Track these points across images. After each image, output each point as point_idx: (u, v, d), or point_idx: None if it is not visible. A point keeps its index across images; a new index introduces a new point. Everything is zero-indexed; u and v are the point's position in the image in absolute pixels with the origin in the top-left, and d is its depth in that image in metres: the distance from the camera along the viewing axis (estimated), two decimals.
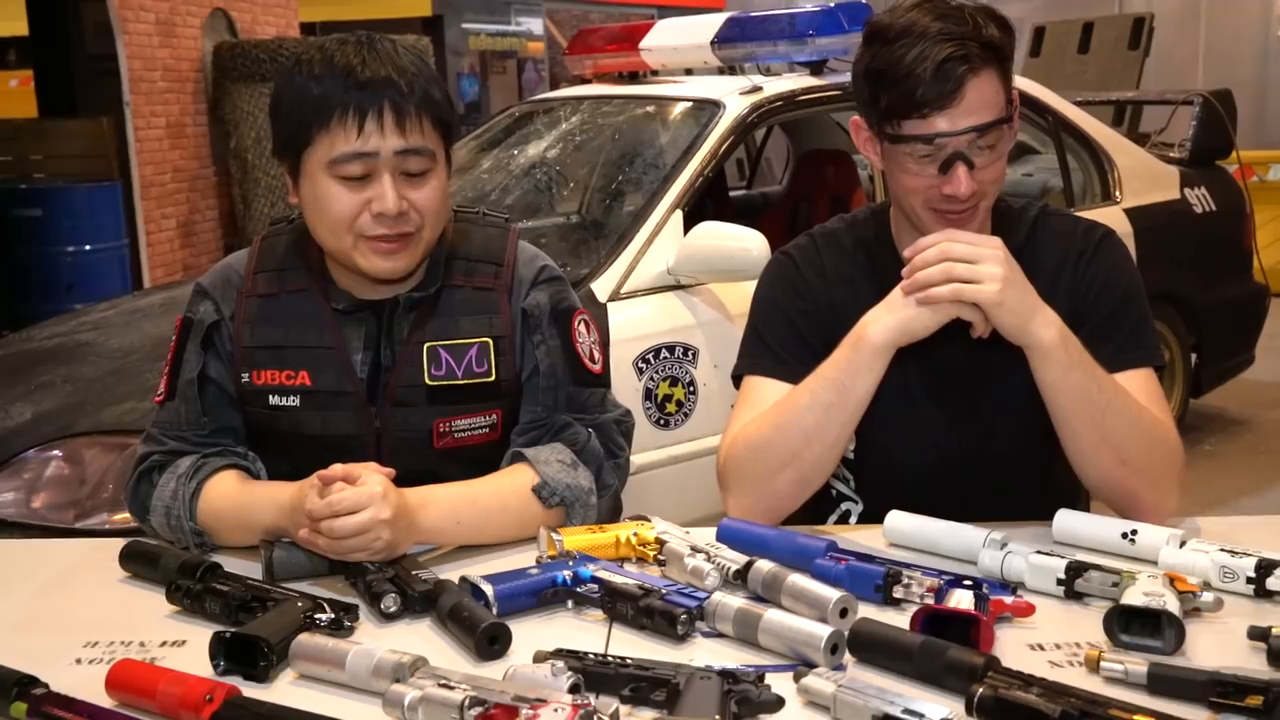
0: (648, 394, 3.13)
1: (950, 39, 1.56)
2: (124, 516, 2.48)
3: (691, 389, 3.20)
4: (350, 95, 1.56)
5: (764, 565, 1.41)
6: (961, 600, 1.33)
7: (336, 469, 1.50)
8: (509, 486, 1.64)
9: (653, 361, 3.14)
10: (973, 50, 1.56)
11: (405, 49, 1.63)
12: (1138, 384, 1.66)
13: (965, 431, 1.73)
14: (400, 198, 1.59)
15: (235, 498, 1.64)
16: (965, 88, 1.56)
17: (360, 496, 1.47)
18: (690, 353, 3.19)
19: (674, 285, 3.26)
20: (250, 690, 1.23)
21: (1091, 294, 1.71)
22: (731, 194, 5.24)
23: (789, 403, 1.64)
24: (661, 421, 3.16)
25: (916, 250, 1.56)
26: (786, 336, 1.75)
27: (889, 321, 1.57)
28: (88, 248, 7.42)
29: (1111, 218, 4.33)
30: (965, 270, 1.51)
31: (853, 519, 1.81)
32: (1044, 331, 1.54)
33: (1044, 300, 1.57)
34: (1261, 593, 1.40)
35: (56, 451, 2.84)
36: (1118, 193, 4.44)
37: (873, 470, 1.78)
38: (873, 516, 1.70)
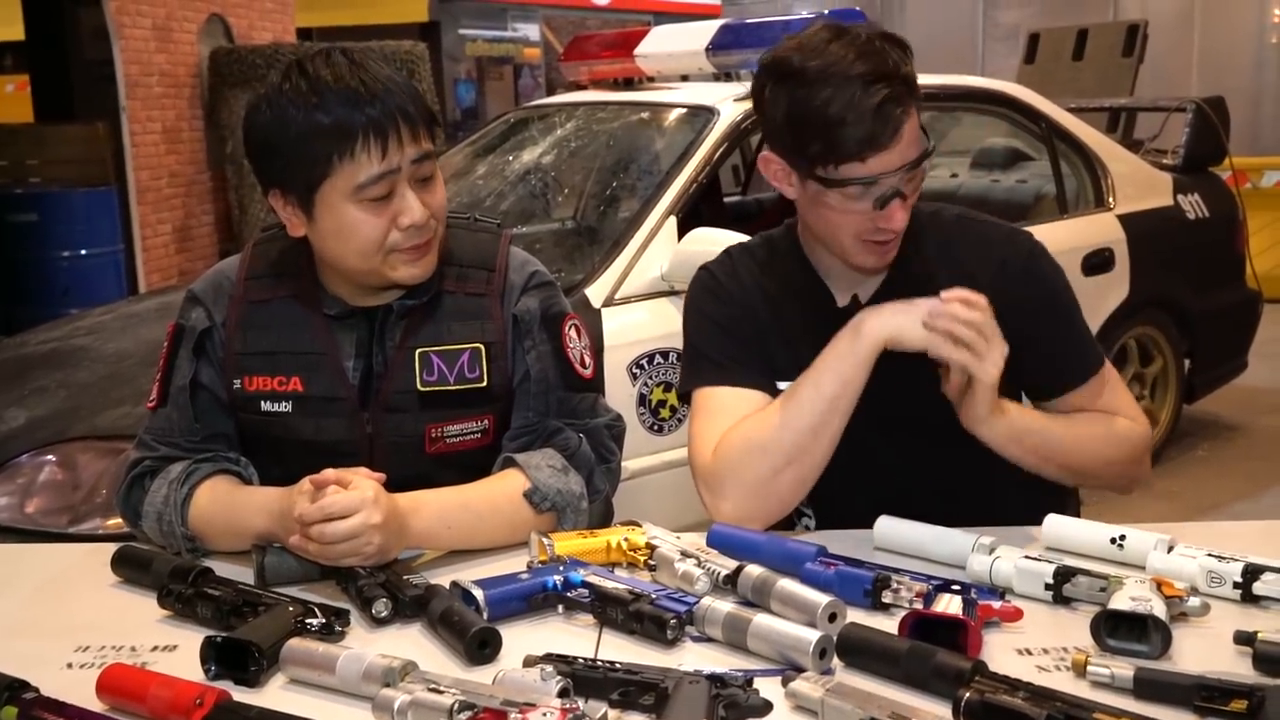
0: (641, 399, 3.14)
1: (877, 80, 1.55)
2: (117, 522, 2.47)
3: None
4: (365, 116, 1.54)
5: (753, 570, 1.42)
6: (950, 605, 1.33)
7: (328, 474, 1.50)
8: (500, 491, 1.64)
9: (646, 367, 3.15)
10: (900, 91, 1.56)
11: (377, 55, 1.63)
12: (1094, 390, 1.74)
13: (927, 469, 1.74)
14: (423, 205, 1.60)
15: (226, 503, 1.64)
16: (903, 129, 1.57)
17: (351, 501, 1.47)
18: None
19: (668, 291, 3.26)
20: (241, 694, 1.24)
21: (1030, 314, 1.70)
22: (726, 200, 5.25)
23: (793, 399, 1.64)
24: (655, 427, 3.16)
25: (965, 301, 1.55)
26: (721, 342, 1.76)
27: (888, 317, 1.59)
28: (83, 252, 7.43)
29: (1105, 224, 4.35)
30: (983, 344, 1.54)
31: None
32: (997, 426, 1.62)
33: None
34: (1248, 597, 1.40)
35: (51, 456, 2.84)
36: (1111, 199, 4.45)
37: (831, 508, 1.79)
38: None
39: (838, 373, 1.61)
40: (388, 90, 1.56)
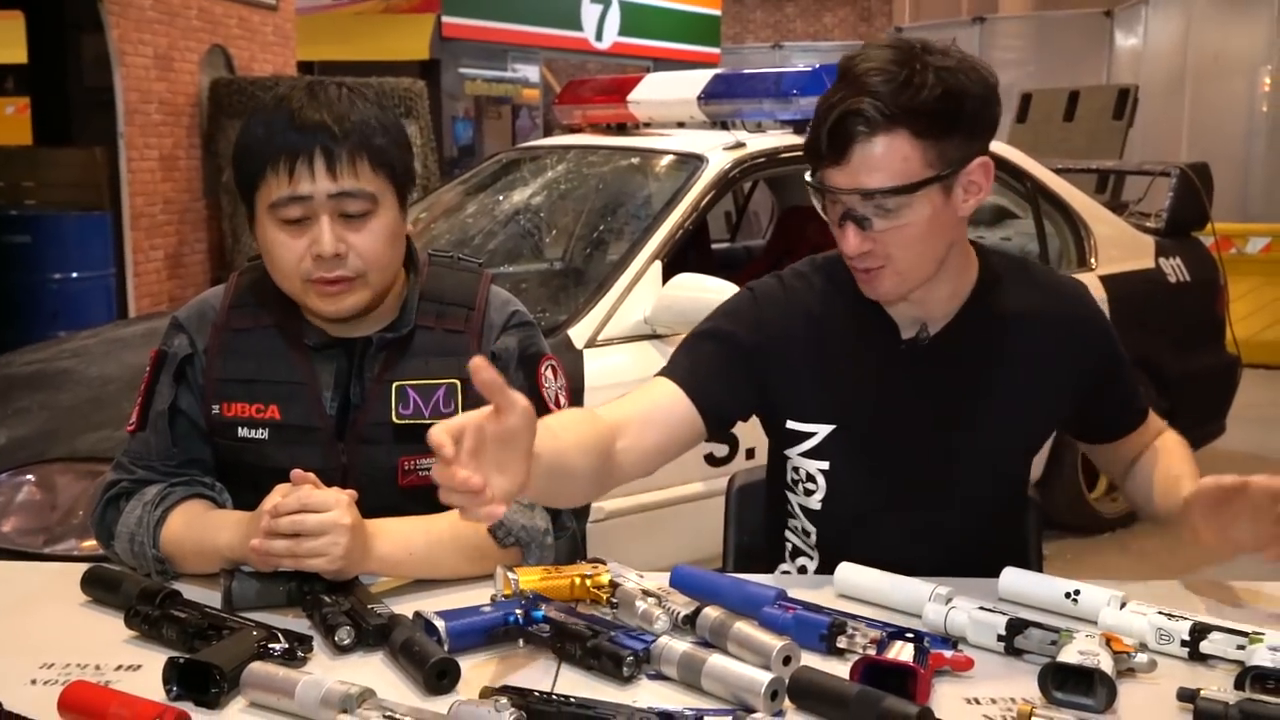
0: None
1: (865, 94, 1.50)
2: (93, 543, 2.49)
3: None
4: (286, 138, 1.60)
5: (712, 612, 1.44)
6: (902, 652, 1.36)
7: (306, 475, 1.55)
8: (464, 523, 1.66)
9: None
10: (876, 111, 1.49)
11: (356, 93, 1.65)
12: (1145, 427, 1.83)
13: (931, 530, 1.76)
14: (337, 240, 1.62)
15: (196, 522, 1.67)
16: (853, 148, 1.52)
17: (327, 497, 1.53)
18: None
19: (650, 335, 3.29)
20: (201, 716, 1.26)
21: (1095, 367, 1.77)
22: (715, 246, 5.30)
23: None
24: None
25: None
26: (709, 358, 1.72)
27: None
28: (75, 276, 7.45)
29: (1087, 284, 4.39)
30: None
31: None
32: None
33: (1034, 356, 1.69)
34: (1195, 655, 1.43)
35: (29, 476, 2.86)
36: (1093, 260, 4.50)
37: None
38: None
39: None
40: (320, 123, 1.60)
